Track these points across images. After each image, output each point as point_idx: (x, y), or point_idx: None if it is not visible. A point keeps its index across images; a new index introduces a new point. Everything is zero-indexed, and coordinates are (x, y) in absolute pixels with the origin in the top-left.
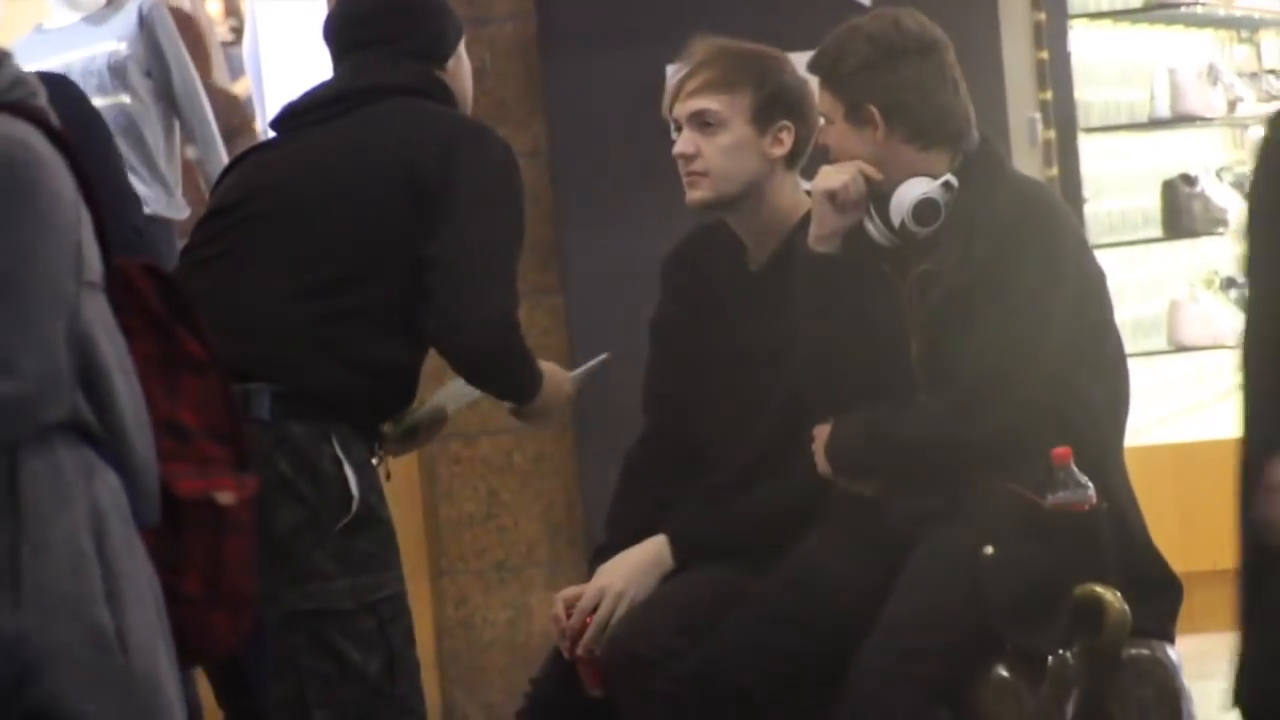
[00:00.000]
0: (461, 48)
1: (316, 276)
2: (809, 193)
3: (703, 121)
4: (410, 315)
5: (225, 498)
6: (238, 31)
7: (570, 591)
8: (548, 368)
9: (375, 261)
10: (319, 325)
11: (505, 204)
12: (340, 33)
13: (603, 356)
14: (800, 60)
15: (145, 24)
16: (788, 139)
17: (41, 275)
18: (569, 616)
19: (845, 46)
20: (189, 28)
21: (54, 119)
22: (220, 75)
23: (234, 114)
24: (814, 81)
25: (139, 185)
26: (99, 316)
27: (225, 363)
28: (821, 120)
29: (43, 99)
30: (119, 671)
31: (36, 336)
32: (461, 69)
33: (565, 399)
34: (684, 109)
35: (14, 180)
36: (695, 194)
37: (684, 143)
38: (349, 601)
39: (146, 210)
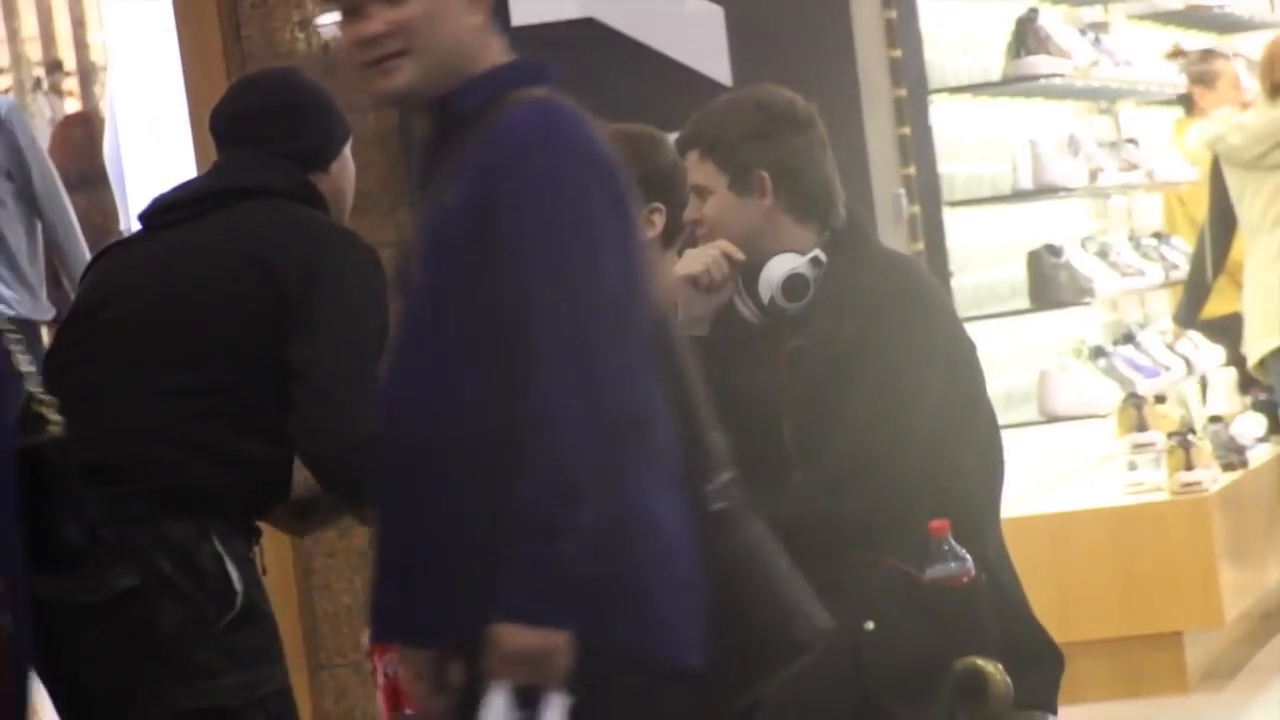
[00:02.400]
0: (347, 150)
1: (181, 379)
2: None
3: None
4: (279, 412)
5: None
6: None
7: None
8: None
9: (238, 367)
10: (187, 425)
11: (367, 313)
12: (222, 127)
13: None
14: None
15: (4, 127)
16: (659, 220)
17: None
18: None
19: (731, 115)
20: (88, 122)
21: None
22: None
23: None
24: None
25: (2, 288)
26: None
27: (98, 466)
28: (693, 194)
29: None
30: None
31: None
32: (345, 172)
33: None
34: None
35: None
36: None
37: None
38: (238, 698)
39: (10, 313)
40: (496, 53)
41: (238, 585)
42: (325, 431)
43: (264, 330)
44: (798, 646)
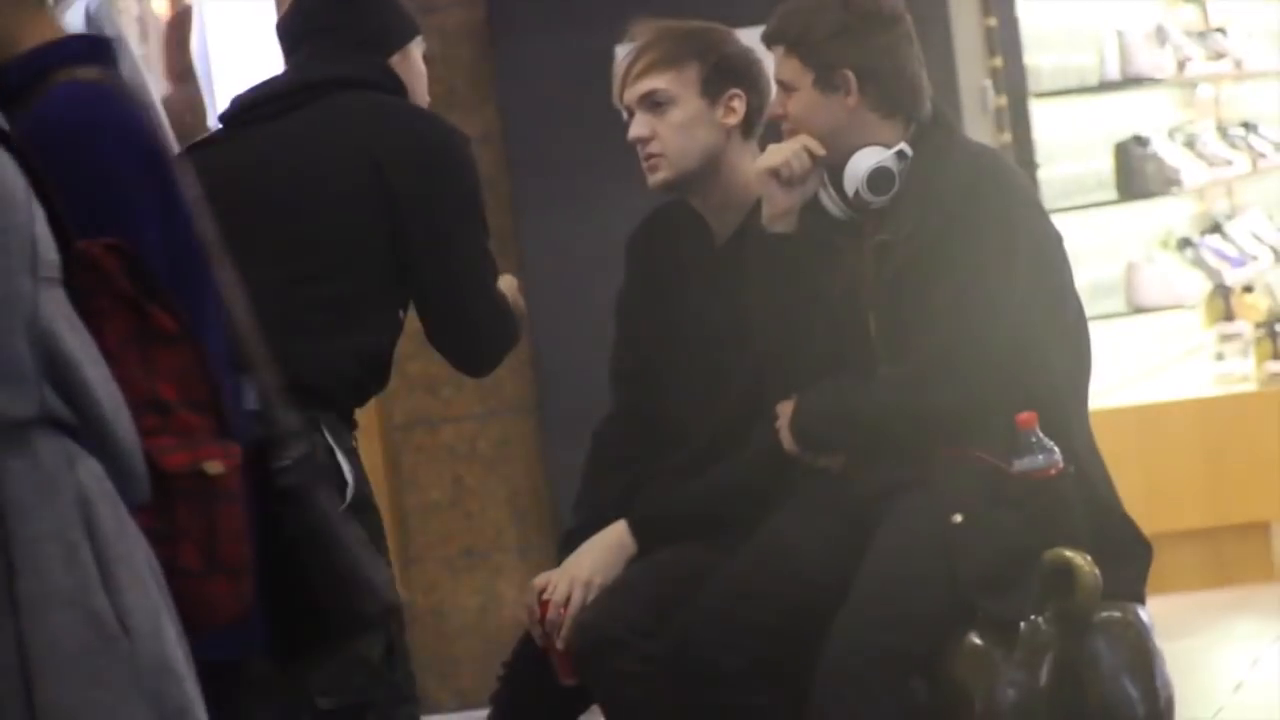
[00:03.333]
0: (413, 48)
1: (298, 268)
2: None
3: (653, 102)
4: (386, 301)
5: (214, 467)
6: None
7: (541, 580)
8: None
9: (350, 255)
10: (299, 315)
11: (475, 203)
12: (289, 29)
13: None
14: (746, 35)
15: (93, 23)
16: (740, 107)
17: None
18: (542, 607)
19: (816, 13)
20: (181, 20)
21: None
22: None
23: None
24: (764, 53)
25: None
26: (60, 311)
27: None
28: (776, 89)
29: None
30: (124, 656)
31: None
32: (409, 66)
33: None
34: (633, 93)
35: None
36: (656, 176)
37: (637, 126)
38: None
39: None
40: (44, 29)
41: (349, 477)
42: (475, 352)
43: (373, 222)
44: (364, 620)
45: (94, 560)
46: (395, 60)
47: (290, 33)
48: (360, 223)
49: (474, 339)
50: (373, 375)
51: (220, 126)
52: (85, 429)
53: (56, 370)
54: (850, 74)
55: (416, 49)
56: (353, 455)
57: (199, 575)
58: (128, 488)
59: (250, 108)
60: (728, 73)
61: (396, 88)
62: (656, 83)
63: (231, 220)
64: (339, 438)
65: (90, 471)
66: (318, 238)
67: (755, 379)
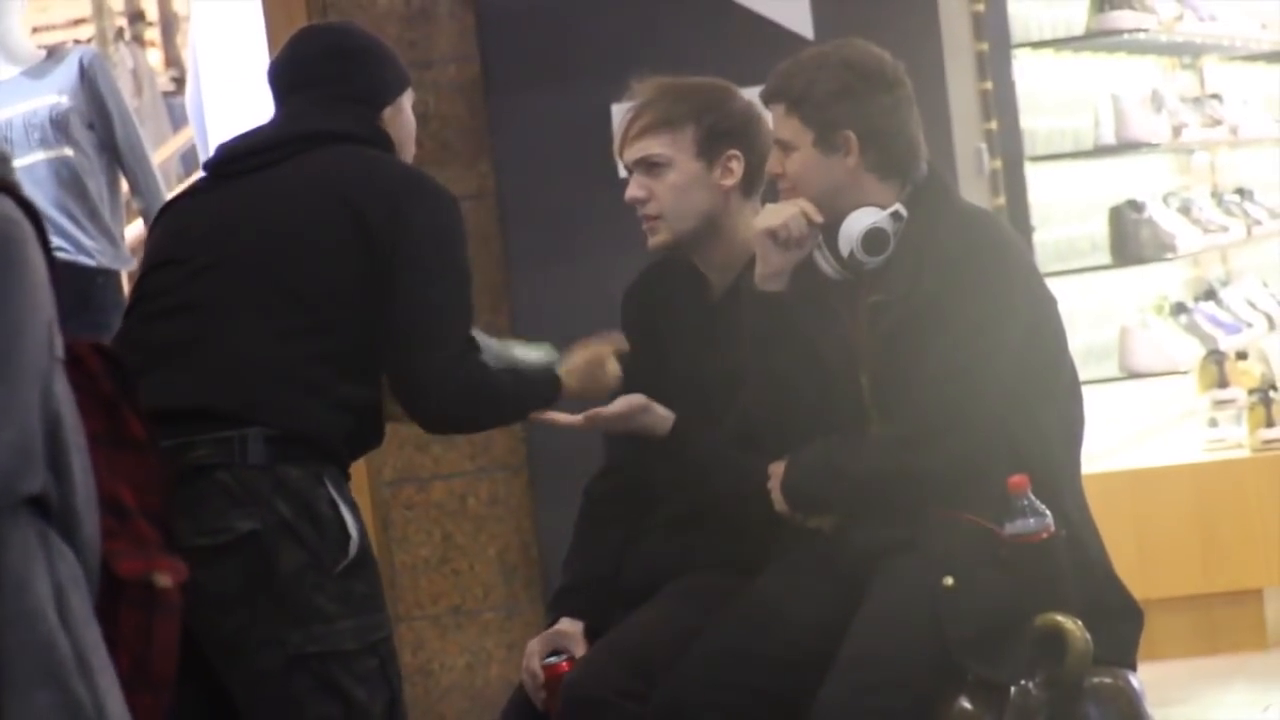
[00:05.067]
0: (404, 101)
1: (292, 322)
2: None
3: (650, 164)
4: (376, 354)
5: (163, 580)
6: (179, 81)
7: (535, 644)
8: (582, 357)
9: (340, 309)
10: (300, 367)
11: (453, 256)
12: (280, 76)
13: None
14: (746, 95)
15: (86, 76)
16: (738, 168)
17: (28, 351)
18: (545, 670)
19: (819, 73)
20: None
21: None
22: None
23: None
24: (764, 110)
25: (84, 238)
26: (64, 393)
27: (214, 408)
28: (775, 148)
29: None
30: None
31: (21, 412)
32: (399, 119)
33: (610, 379)
34: (630, 153)
35: (9, 258)
36: (655, 239)
37: (634, 187)
38: (353, 642)
39: (92, 263)
40: None
41: (353, 530)
42: (425, 393)
43: (358, 273)
44: None
45: (69, 646)
46: (387, 113)
47: (282, 80)
48: (343, 276)
49: (420, 395)
50: (370, 428)
51: (204, 175)
52: (58, 516)
53: (53, 452)
54: (852, 135)
55: (407, 100)
56: (355, 508)
57: (126, 685)
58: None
59: (235, 159)
60: (725, 134)
61: (384, 143)
62: (652, 146)
63: (230, 274)
64: (341, 491)
65: (63, 557)
66: (302, 291)
67: (737, 432)
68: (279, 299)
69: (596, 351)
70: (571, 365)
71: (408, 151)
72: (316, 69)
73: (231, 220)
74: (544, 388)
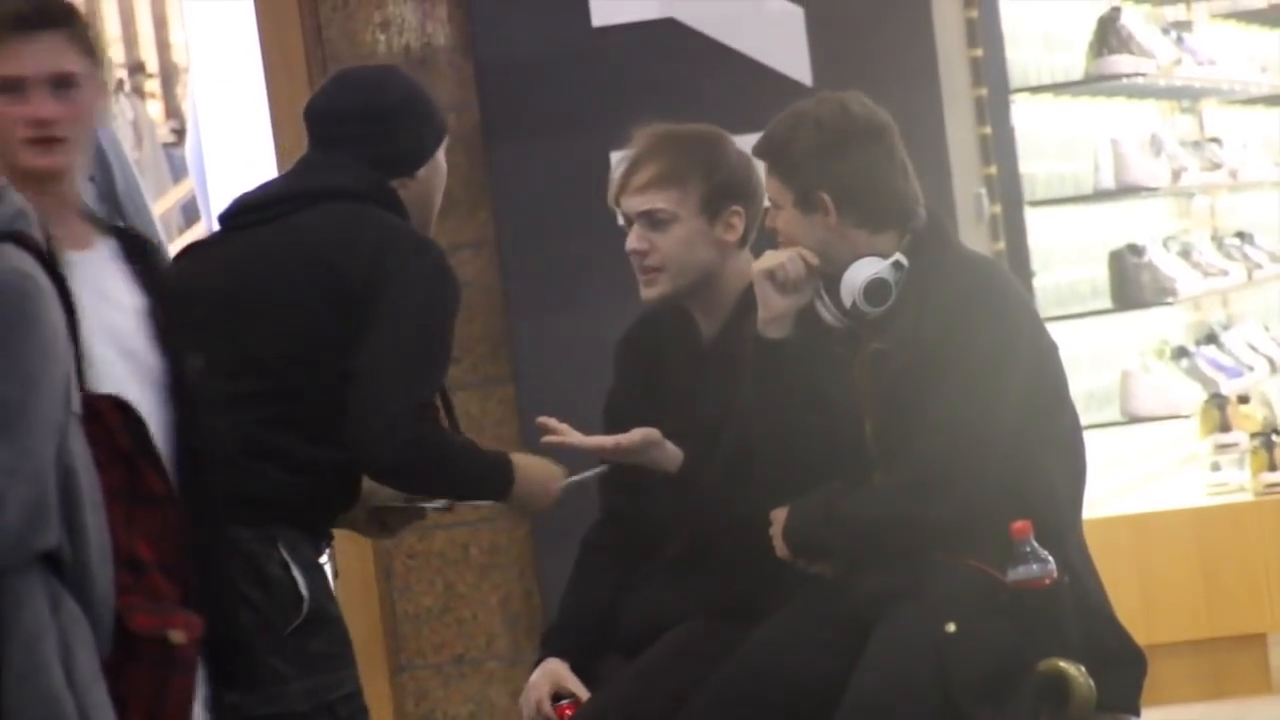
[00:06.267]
0: (440, 154)
1: (251, 385)
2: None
3: (654, 219)
4: (344, 416)
5: (177, 636)
6: (179, 132)
7: (540, 688)
8: (536, 464)
9: (306, 372)
10: (254, 431)
11: (431, 316)
12: (315, 123)
13: (600, 469)
14: (745, 142)
15: None
16: (739, 223)
17: (43, 405)
18: (557, 710)
19: (794, 133)
20: None
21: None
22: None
23: None
24: (760, 163)
25: None
26: (79, 448)
27: None
28: (768, 203)
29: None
30: None
31: (35, 468)
32: (434, 177)
33: (549, 498)
34: (632, 205)
35: (23, 312)
36: (652, 291)
37: (635, 239)
38: (306, 704)
39: None
40: None
41: (304, 591)
42: (368, 438)
43: (329, 334)
44: None
45: (74, 705)
46: (422, 172)
47: (315, 128)
48: (313, 341)
49: (371, 442)
50: (334, 491)
51: (218, 227)
52: (70, 572)
53: (66, 508)
54: (826, 196)
55: (442, 152)
56: (313, 570)
57: None
58: (94, 639)
59: (241, 212)
60: (729, 191)
61: (392, 205)
62: (657, 201)
63: (203, 331)
64: (296, 553)
65: (71, 615)
66: (278, 350)
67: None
68: (241, 360)
69: (549, 465)
70: (527, 462)
71: (435, 202)
72: (352, 127)
73: (212, 278)
74: (498, 469)
